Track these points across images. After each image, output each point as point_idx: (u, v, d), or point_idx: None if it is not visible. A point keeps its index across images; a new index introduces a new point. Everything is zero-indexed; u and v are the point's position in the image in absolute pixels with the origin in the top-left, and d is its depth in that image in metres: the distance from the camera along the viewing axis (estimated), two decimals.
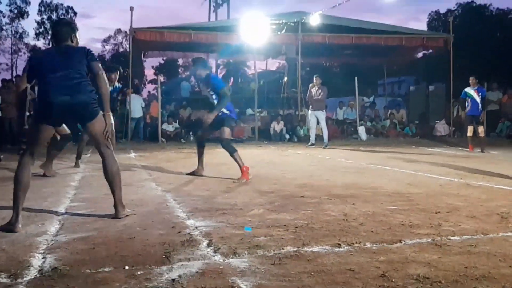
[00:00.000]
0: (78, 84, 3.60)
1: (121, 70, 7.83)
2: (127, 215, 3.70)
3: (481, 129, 10.58)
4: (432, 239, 3.00)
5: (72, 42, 3.81)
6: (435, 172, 6.60)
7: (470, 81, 10.68)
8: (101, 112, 3.71)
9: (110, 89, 7.00)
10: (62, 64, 3.62)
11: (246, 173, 5.81)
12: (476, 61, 26.90)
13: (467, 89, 10.72)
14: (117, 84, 7.59)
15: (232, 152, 5.96)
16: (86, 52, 3.71)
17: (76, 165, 7.33)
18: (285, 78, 18.38)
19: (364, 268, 2.43)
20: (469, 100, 10.62)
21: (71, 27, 3.82)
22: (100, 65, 3.74)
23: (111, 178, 3.72)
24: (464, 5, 34.76)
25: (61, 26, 3.83)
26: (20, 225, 3.33)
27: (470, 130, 10.67)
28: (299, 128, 14.76)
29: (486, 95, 11.47)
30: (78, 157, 7.50)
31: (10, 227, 3.31)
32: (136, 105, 14.37)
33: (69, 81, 3.58)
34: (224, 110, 6.00)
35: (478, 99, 10.49)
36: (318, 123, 12.31)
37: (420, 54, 22.38)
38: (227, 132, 6.02)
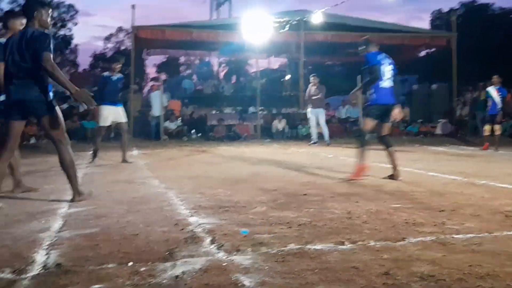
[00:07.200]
0: None
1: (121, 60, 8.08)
2: None
3: (497, 127, 10.55)
4: (436, 237, 2.98)
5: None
6: (438, 170, 6.58)
7: (492, 80, 10.61)
8: None
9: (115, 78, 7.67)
10: None
11: None
12: (479, 60, 26.84)
13: (488, 88, 10.71)
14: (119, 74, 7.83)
15: None
16: None
17: None
18: (287, 77, 18.34)
19: (367, 265, 2.42)
20: (489, 99, 10.63)
21: None
22: None
23: None
24: (467, 4, 34.70)
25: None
26: None
27: (487, 129, 10.64)
28: (301, 127, 14.74)
29: (506, 95, 11.39)
30: None
31: None
32: (156, 103, 13.76)
33: None
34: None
35: (497, 99, 10.43)
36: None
37: (423, 53, 22.29)
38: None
